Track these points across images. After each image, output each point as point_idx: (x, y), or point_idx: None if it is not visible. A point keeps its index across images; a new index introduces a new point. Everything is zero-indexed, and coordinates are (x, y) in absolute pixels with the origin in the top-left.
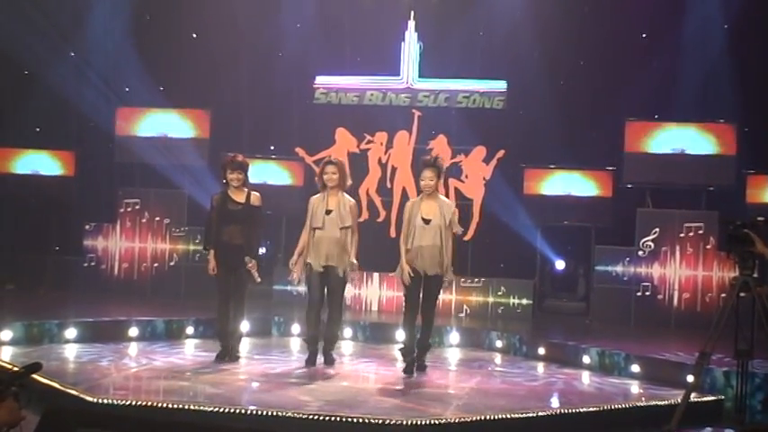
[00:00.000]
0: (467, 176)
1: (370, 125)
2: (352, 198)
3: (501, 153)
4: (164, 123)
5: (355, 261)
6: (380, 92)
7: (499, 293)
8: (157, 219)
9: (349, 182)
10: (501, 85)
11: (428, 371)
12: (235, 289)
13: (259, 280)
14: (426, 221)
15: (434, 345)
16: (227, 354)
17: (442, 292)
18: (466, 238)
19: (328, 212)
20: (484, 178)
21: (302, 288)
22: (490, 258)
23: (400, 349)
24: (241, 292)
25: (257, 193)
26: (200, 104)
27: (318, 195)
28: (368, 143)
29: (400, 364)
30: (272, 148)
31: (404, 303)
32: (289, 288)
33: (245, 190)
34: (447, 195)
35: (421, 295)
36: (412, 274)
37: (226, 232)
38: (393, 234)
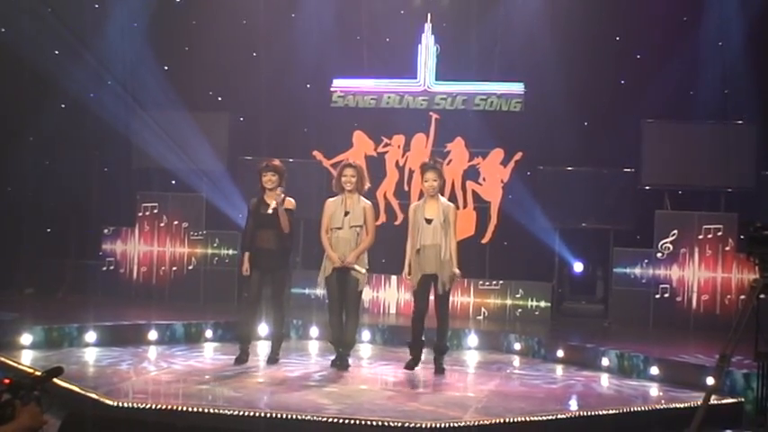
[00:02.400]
0: (484, 179)
1: (388, 128)
2: (369, 201)
3: (519, 155)
4: (182, 127)
5: (357, 264)
6: (398, 95)
7: (517, 296)
8: (176, 223)
9: (367, 185)
10: (518, 88)
11: (447, 373)
12: (273, 293)
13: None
14: (428, 221)
15: (452, 347)
16: (247, 358)
17: (450, 289)
18: (484, 241)
19: (346, 214)
20: (501, 180)
21: (320, 291)
22: (508, 261)
23: (408, 343)
24: (279, 296)
25: (290, 199)
26: (218, 108)
27: (336, 198)
28: (385, 146)
29: (422, 363)
30: (290, 150)
31: (413, 303)
32: (306, 291)
33: (281, 196)
34: (465, 198)
35: (432, 297)
36: (417, 277)
37: (260, 236)
38: None
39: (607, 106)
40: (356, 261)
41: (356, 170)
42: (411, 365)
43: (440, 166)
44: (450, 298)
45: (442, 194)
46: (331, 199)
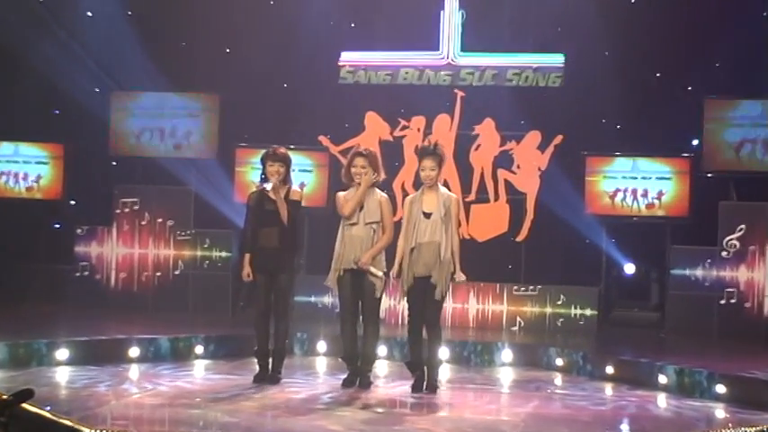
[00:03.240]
0: (519, 166)
1: (405, 108)
2: (385, 194)
3: (559, 139)
4: (166, 110)
5: (372, 266)
6: (417, 69)
7: (558, 303)
8: (159, 221)
9: (382, 175)
10: (558, 60)
11: (462, 393)
12: (276, 299)
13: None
14: (426, 215)
15: (484, 364)
16: (267, 374)
17: (446, 295)
18: (518, 239)
19: (361, 209)
20: (539, 168)
21: (327, 299)
22: (547, 262)
23: (406, 363)
24: (283, 302)
25: (298, 189)
26: (208, 88)
27: (347, 191)
28: (402, 129)
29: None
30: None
31: (408, 312)
32: (312, 299)
33: (287, 186)
34: (496, 188)
35: (425, 301)
36: (410, 281)
37: (262, 234)
38: None
39: (662, 81)
40: (372, 262)
41: (368, 159)
42: (419, 387)
43: (440, 151)
44: (445, 305)
45: (447, 186)
46: (341, 192)
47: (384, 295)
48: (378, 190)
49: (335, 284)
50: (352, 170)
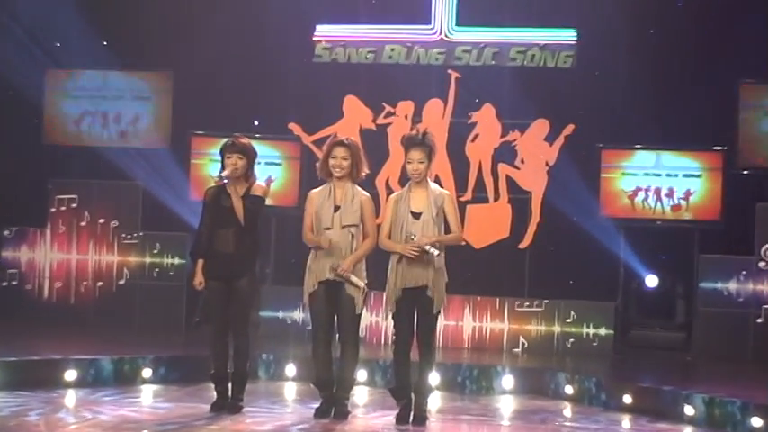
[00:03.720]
0: (523, 161)
1: (391, 92)
2: (366, 192)
3: (570, 128)
4: (111, 91)
5: (359, 281)
6: (404, 46)
7: (568, 321)
8: (102, 221)
9: (364, 170)
10: (569, 36)
11: (429, 424)
12: (235, 313)
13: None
14: (415, 215)
15: (481, 391)
16: (226, 401)
17: (441, 307)
18: (522, 246)
19: (337, 210)
20: (546, 163)
21: (298, 315)
22: (555, 273)
23: (390, 389)
24: (243, 316)
25: (261, 184)
26: (159, 65)
27: (322, 188)
28: (387, 116)
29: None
30: (257, 123)
31: (393, 328)
32: (280, 315)
33: (249, 182)
34: (496, 186)
35: (415, 316)
36: (397, 293)
37: (218, 237)
38: None
39: (691, 62)
40: (352, 270)
41: (349, 149)
42: (404, 417)
43: (429, 141)
44: (440, 320)
45: (439, 183)
46: (315, 190)
47: (364, 310)
48: (358, 188)
49: (308, 302)
50: (331, 162)
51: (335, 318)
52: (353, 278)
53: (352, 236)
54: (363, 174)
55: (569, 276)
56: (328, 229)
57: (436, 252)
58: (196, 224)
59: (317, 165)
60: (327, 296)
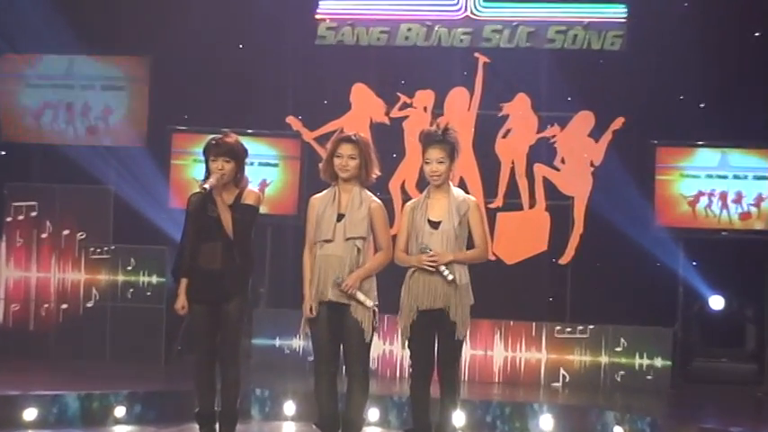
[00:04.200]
0: (563, 161)
1: (407, 79)
2: (377, 198)
3: (619, 122)
4: (77, 79)
5: (367, 300)
6: (423, 25)
7: (618, 349)
8: (66, 233)
9: (376, 171)
10: (619, 12)
11: None
12: (224, 340)
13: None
14: (433, 225)
15: None
16: None
17: (465, 335)
18: (562, 261)
19: (341, 218)
20: (591, 163)
21: (297, 343)
22: (602, 293)
23: (407, 431)
24: (233, 344)
25: (254, 190)
26: (134, 48)
27: (325, 193)
28: (403, 108)
29: None
30: (249, 117)
31: (409, 359)
32: (277, 343)
33: (240, 187)
34: (532, 190)
35: (436, 347)
36: (411, 316)
37: (204, 252)
38: None
39: (762, 42)
40: (359, 287)
41: (357, 147)
42: None
43: (452, 138)
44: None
45: (464, 187)
46: (318, 195)
47: (376, 337)
48: (367, 192)
49: (306, 328)
50: (336, 161)
51: (341, 346)
52: (360, 295)
53: (359, 250)
54: (374, 176)
55: (618, 297)
56: (329, 241)
57: (450, 276)
58: (178, 236)
59: (320, 165)
60: (331, 321)
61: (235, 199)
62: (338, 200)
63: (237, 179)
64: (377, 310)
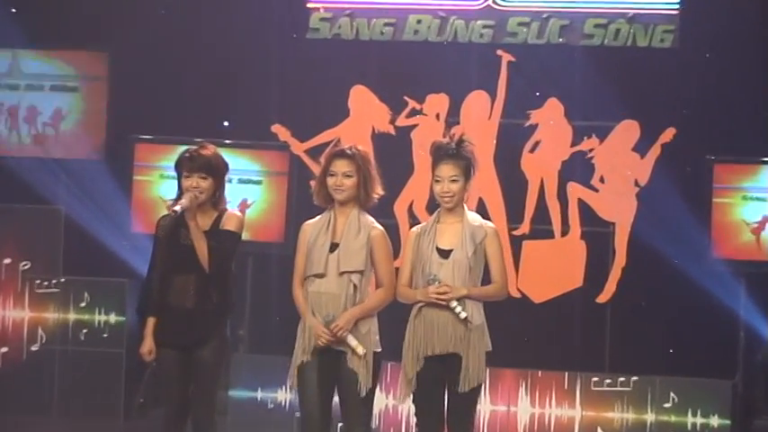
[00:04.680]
0: (603, 179)
1: (416, 80)
2: (379, 224)
3: (668, 134)
4: (21, 78)
5: (360, 346)
6: (435, 16)
7: (666, 405)
8: (7, 261)
9: (377, 191)
10: (670, 3)
11: None
12: (196, 393)
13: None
14: (443, 253)
15: None
16: None
17: (481, 385)
18: (601, 300)
19: (335, 248)
20: (636, 182)
21: (282, 396)
22: (648, 338)
23: None
24: (208, 398)
25: (236, 213)
26: (90, 42)
27: (318, 219)
28: (411, 115)
29: None
30: (227, 124)
31: (414, 415)
32: (258, 396)
33: (218, 209)
34: (565, 214)
35: (446, 399)
36: (417, 364)
37: (175, 286)
38: None
39: None
40: (351, 329)
41: (354, 162)
42: None
43: (467, 151)
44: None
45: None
46: (311, 221)
47: (378, 389)
48: (368, 217)
49: (295, 379)
50: (330, 180)
51: (336, 401)
52: (351, 340)
53: (355, 287)
54: (376, 196)
55: (667, 343)
56: (320, 276)
57: (463, 314)
58: (140, 267)
59: (312, 186)
60: (323, 370)
61: (212, 224)
62: (333, 226)
63: (216, 199)
64: (379, 357)
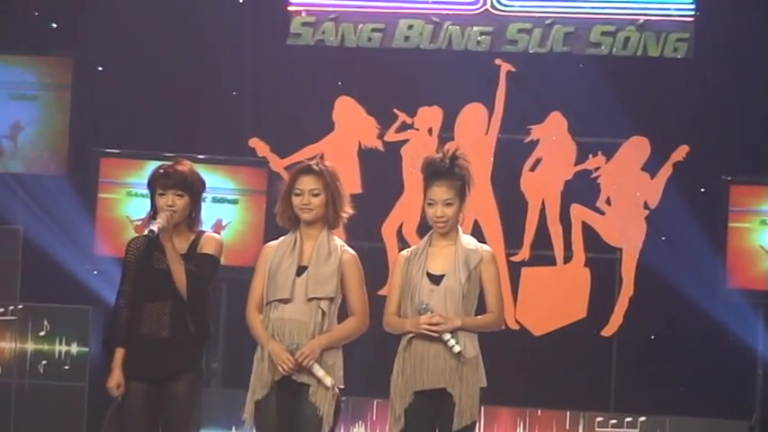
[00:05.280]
0: (609, 201)
1: (407, 92)
2: (350, 248)
3: (681, 152)
4: None
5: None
6: (428, 22)
7: None
8: None
9: (346, 209)
10: (684, 10)
11: None
12: (166, 429)
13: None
14: (435, 279)
15: None
16: None
17: (474, 423)
18: (607, 333)
19: (302, 271)
20: (645, 205)
21: None
22: (657, 374)
23: None
24: None
25: (214, 235)
26: (53, 46)
27: (283, 240)
28: (402, 129)
29: None
30: (198, 139)
31: None
32: None
33: (194, 230)
34: (568, 238)
35: None
36: (406, 401)
37: (147, 314)
38: None
39: None
40: (318, 360)
41: (322, 179)
42: None
43: (461, 169)
44: None
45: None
46: (272, 243)
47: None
48: (337, 240)
49: (250, 417)
50: (295, 200)
51: None
52: (318, 370)
53: (324, 314)
54: (344, 215)
55: (678, 380)
56: (286, 301)
57: (457, 348)
58: (104, 293)
59: (276, 208)
60: (282, 406)
61: (189, 246)
62: (299, 249)
63: (192, 220)
64: (338, 391)
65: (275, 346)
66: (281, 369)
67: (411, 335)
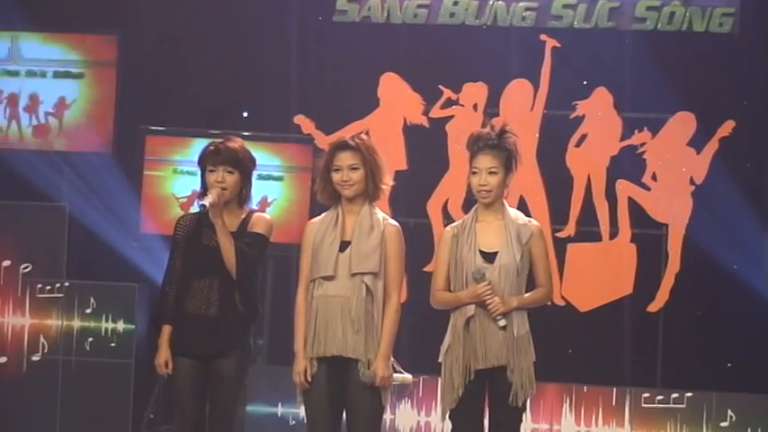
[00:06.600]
0: (655, 177)
1: (452, 69)
2: (394, 222)
3: (727, 127)
4: (22, 64)
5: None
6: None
7: (724, 424)
8: (6, 264)
9: (386, 181)
10: None
11: None
12: (213, 408)
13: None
14: (489, 257)
15: None
16: None
17: (527, 400)
18: (653, 309)
19: (345, 247)
20: (692, 180)
21: (293, 411)
22: (704, 351)
23: None
24: (225, 413)
25: (265, 215)
26: (97, 25)
27: (324, 216)
28: (447, 105)
29: None
30: (246, 115)
31: None
32: (279, 411)
33: (245, 209)
34: (614, 213)
35: (486, 418)
36: (464, 378)
37: (195, 292)
38: None
39: None
40: (390, 367)
41: (359, 153)
42: None
43: (508, 143)
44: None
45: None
46: (315, 219)
47: (408, 406)
48: (379, 212)
49: (302, 387)
50: (335, 176)
51: (343, 420)
52: (398, 377)
53: (368, 289)
54: (384, 186)
55: (725, 356)
56: (330, 278)
57: (503, 322)
58: (150, 270)
59: (316, 185)
60: (332, 382)
61: (240, 224)
62: (342, 224)
63: (242, 197)
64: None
65: (299, 352)
66: (298, 378)
67: (470, 313)
